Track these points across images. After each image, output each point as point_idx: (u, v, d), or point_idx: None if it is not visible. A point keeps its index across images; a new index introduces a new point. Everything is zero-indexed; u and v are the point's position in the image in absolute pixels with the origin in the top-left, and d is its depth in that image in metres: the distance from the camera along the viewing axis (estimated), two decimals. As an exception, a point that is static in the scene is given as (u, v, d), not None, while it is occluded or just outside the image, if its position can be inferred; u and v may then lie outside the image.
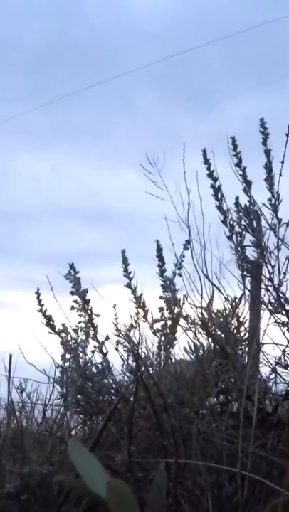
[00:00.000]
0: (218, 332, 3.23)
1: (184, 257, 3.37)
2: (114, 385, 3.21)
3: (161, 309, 3.34)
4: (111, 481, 0.97)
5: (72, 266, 3.28)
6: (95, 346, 3.25)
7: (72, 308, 3.27)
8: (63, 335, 3.23)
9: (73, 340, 3.23)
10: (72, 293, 3.28)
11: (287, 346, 3.12)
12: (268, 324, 3.23)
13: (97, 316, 3.35)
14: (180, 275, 3.35)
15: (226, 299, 3.20)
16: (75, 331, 3.30)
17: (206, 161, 3.31)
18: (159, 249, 3.33)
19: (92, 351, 3.24)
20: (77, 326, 3.31)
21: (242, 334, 3.31)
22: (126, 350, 3.30)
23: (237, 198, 3.34)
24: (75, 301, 3.31)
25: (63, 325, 3.27)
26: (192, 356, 3.08)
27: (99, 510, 1.87)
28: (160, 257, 3.34)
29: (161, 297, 3.34)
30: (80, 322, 3.30)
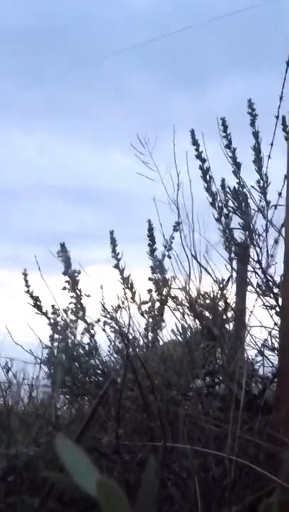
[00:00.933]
0: (206, 314, 3.22)
1: (173, 238, 3.36)
2: (100, 366, 3.20)
3: (150, 291, 3.33)
4: (102, 480, 0.95)
5: (63, 246, 3.26)
6: (83, 328, 3.24)
7: (64, 288, 3.26)
8: (52, 316, 3.22)
9: (62, 322, 3.22)
10: (65, 273, 3.26)
11: (273, 329, 3.12)
12: (254, 306, 3.24)
13: (87, 296, 3.33)
14: (169, 257, 3.34)
15: (215, 281, 3.20)
16: (65, 311, 3.28)
17: (195, 142, 3.29)
18: (150, 229, 3.31)
19: (82, 333, 3.22)
20: (67, 307, 3.29)
21: (229, 316, 3.31)
22: (113, 332, 3.30)
23: (223, 180, 3.33)
24: (67, 282, 3.29)
25: (53, 306, 3.25)
26: (180, 338, 3.08)
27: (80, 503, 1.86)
28: (151, 236, 3.32)
29: (150, 279, 3.33)
30: (70, 303, 3.28)
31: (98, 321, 3.27)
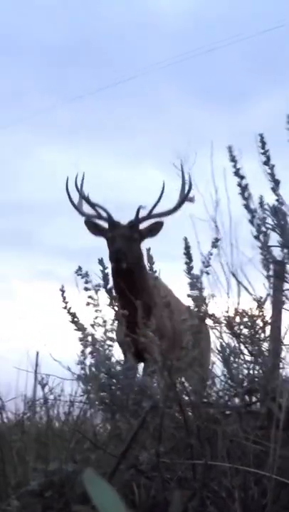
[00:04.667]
0: (244, 332, 3.20)
1: (211, 254, 3.34)
2: (138, 383, 3.19)
3: (188, 308, 3.31)
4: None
5: (101, 261, 3.26)
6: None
7: (88, 304, 3.25)
8: (84, 331, 3.21)
9: (91, 337, 3.20)
10: (86, 289, 3.25)
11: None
12: (289, 325, 3.22)
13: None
14: (208, 273, 3.32)
15: (254, 299, 3.18)
16: (92, 326, 3.27)
17: (233, 159, 3.27)
18: (187, 247, 3.30)
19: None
20: (94, 322, 3.28)
21: (267, 334, 3.29)
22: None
23: (261, 198, 3.32)
24: (90, 297, 3.28)
25: (76, 320, 3.23)
26: (218, 357, 3.06)
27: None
28: (188, 254, 3.30)
29: (188, 295, 3.31)
30: (96, 317, 3.27)
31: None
